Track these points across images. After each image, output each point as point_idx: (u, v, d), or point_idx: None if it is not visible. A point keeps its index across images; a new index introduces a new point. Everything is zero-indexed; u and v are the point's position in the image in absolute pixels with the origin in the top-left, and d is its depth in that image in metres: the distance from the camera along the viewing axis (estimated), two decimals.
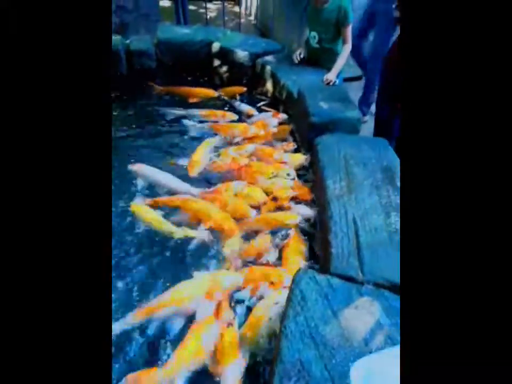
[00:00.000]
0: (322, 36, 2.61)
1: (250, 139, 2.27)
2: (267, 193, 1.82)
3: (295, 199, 1.80)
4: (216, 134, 2.36)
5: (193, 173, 1.95)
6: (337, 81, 2.46)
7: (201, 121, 2.50)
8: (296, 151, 2.18)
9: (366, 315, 0.99)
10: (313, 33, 2.65)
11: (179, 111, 2.60)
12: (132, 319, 1.26)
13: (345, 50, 2.54)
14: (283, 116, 2.50)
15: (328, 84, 2.41)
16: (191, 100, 2.73)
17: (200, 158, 2.04)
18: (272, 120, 2.44)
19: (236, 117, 2.50)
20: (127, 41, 3.10)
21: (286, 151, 2.15)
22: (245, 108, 2.67)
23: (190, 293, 1.32)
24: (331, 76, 2.44)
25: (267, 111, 2.63)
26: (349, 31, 2.51)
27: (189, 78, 3.17)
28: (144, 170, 1.94)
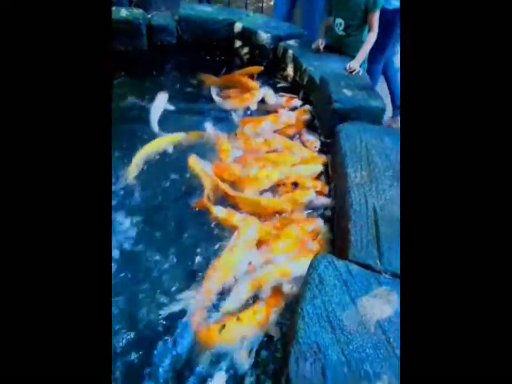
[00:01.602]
0: (349, 22, 2.53)
1: (281, 130, 2.16)
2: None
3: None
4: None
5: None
6: (361, 70, 2.40)
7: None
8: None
9: (385, 304, 0.98)
10: (339, 20, 2.58)
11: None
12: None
13: (371, 38, 2.48)
14: (297, 102, 2.42)
15: (351, 72, 2.36)
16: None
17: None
18: (287, 112, 2.31)
19: (258, 84, 2.51)
20: (149, 16, 3.05)
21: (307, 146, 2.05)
22: (267, 91, 2.57)
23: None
24: (354, 64, 2.38)
25: (285, 96, 2.57)
26: (376, 17, 2.43)
27: (208, 57, 3.12)
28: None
